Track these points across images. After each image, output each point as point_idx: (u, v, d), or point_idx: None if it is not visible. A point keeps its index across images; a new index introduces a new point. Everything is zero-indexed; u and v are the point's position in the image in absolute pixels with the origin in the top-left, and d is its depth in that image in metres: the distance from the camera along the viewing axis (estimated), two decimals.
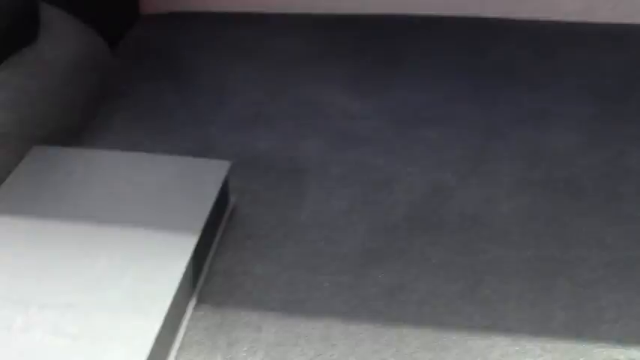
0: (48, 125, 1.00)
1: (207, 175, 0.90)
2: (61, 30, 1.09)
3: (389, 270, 0.84)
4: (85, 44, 1.13)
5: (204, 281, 0.83)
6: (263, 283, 0.82)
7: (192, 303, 0.79)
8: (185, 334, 0.76)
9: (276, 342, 0.75)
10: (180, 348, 0.74)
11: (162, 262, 0.76)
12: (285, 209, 0.93)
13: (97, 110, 1.11)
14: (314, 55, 1.25)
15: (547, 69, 1.19)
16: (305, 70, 1.21)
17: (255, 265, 0.85)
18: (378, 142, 1.04)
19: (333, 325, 0.77)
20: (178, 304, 0.75)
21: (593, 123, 1.07)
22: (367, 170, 0.99)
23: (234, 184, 0.95)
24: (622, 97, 1.13)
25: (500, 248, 0.86)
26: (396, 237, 0.88)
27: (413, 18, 1.31)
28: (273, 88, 1.17)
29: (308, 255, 0.86)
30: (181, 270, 0.75)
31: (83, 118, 1.07)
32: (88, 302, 0.71)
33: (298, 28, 1.31)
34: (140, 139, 1.07)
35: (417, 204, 0.93)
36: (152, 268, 0.75)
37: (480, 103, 1.11)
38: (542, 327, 0.76)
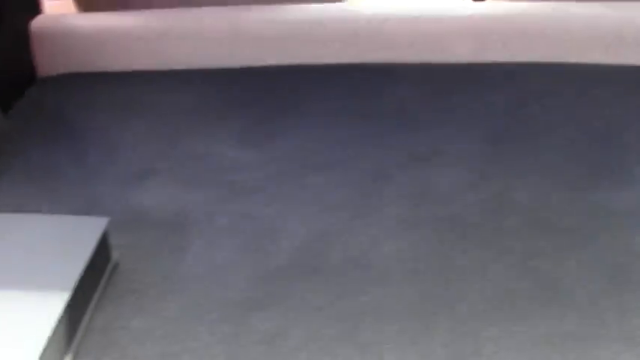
0: None
1: (84, 233, 0.89)
2: None
3: (269, 317, 0.83)
4: None
5: (82, 338, 0.81)
6: (141, 337, 0.81)
7: None
8: None
9: None
10: None
11: (31, 321, 0.75)
12: (169, 263, 0.92)
13: None
14: (206, 109, 1.26)
15: (438, 110, 1.21)
16: (196, 124, 1.21)
17: (134, 320, 0.83)
18: (265, 191, 1.04)
19: None
20: None
21: (480, 161, 1.09)
22: (252, 220, 0.99)
23: (119, 240, 0.94)
24: (509, 133, 1.15)
25: (381, 289, 0.86)
26: (277, 284, 0.88)
27: (305, 68, 1.32)
28: (165, 143, 1.17)
29: (188, 306, 0.85)
30: (50, 328, 0.73)
31: None
32: None
33: (191, 84, 1.32)
34: (27, 199, 1.05)
35: (300, 250, 0.93)
36: (20, 327, 0.74)
37: (369, 147, 1.12)
38: None
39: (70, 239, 0.88)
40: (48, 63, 1.40)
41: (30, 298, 0.78)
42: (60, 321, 0.75)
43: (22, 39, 1.38)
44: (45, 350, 0.71)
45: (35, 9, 1.43)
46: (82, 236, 0.88)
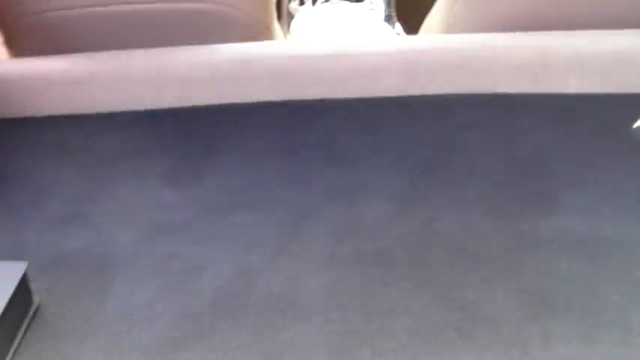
0: None
1: (2, 278, 0.87)
2: None
3: (192, 357, 0.82)
4: None
5: None
6: None
7: None
8: None
9: None
10: None
11: None
12: (91, 305, 0.92)
13: None
14: (133, 150, 1.25)
15: (365, 144, 1.22)
16: (124, 166, 1.21)
17: None
18: (189, 230, 1.04)
19: None
20: None
21: (406, 193, 1.09)
22: (176, 260, 0.98)
23: (42, 284, 0.93)
24: (436, 165, 1.16)
25: (304, 325, 0.86)
26: (199, 324, 0.87)
27: (232, 106, 1.32)
28: (92, 186, 1.16)
29: (110, 349, 0.84)
30: None
31: None
32: None
33: (119, 126, 1.31)
34: None
35: (223, 289, 0.93)
36: None
37: (295, 184, 1.12)
38: None
39: None
40: None
41: None
42: None
43: None
44: None
45: None
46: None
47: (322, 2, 2.36)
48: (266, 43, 1.42)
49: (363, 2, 2.41)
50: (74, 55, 1.39)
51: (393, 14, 2.21)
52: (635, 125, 1.27)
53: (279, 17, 2.70)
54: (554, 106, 1.32)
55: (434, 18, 1.61)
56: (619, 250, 0.98)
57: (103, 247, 1.02)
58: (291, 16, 2.36)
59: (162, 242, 1.02)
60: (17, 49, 1.48)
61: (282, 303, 0.89)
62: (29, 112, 1.37)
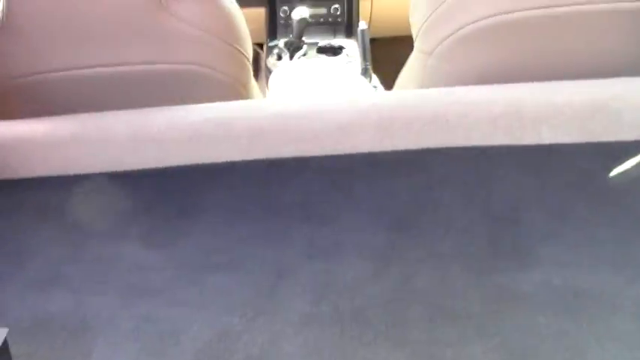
0: None
1: None
2: None
3: None
4: None
5: None
6: None
7: None
8: None
9: None
10: None
11: None
12: None
13: None
14: (112, 211, 1.25)
15: (342, 201, 1.23)
16: (102, 227, 1.21)
17: None
18: (168, 292, 1.04)
19: None
20: None
21: (382, 250, 1.10)
22: (156, 322, 0.98)
23: (22, 348, 0.94)
24: (411, 221, 1.17)
25: None
26: None
27: (209, 166, 1.33)
28: (71, 248, 1.16)
29: None
30: None
31: None
32: None
33: (97, 188, 1.32)
34: None
35: (203, 352, 0.93)
36: None
37: (272, 242, 1.13)
38: None
39: None
40: None
41: None
42: None
43: None
44: None
45: None
46: None
47: (299, 57, 2.39)
48: (243, 102, 1.43)
49: (340, 56, 2.44)
50: (55, 117, 1.40)
51: (369, 67, 2.23)
52: (610, 174, 1.28)
53: (257, 72, 2.73)
54: (528, 158, 1.33)
55: (408, 73, 1.63)
56: (599, 302, 0.99)
57: (82, 310, 1.02)
58: (269, 71, 2.39)
59: (141, 305, 1.02)
60: (1, 111, 1.49)
61: None
62: (8, 174, 1.37)
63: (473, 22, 1.40)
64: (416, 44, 1.53)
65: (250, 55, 1.56)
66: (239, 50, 1.48)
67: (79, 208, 1.28)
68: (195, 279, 1.06)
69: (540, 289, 1.02)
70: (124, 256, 1.13)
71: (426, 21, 1.45)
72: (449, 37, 1.43)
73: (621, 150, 1.32)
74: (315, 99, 1.40)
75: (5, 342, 0.88)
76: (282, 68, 2.25)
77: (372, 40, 2.53)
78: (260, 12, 2.65)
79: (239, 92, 1.53)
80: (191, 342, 0.94)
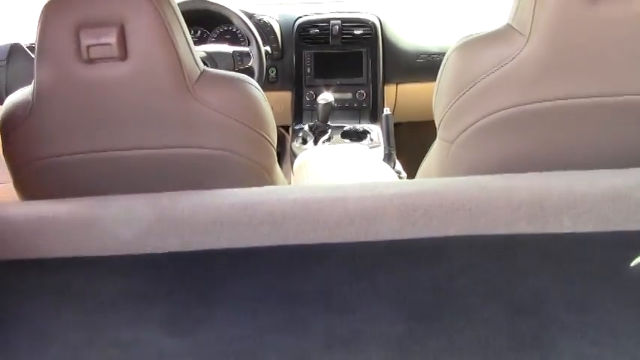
0: None
1: None
2: None
3: None
4: None
5: None
6: None
7: None
8: None
9: None
10: None
11: None
12: None
13: None
14: (134, 295, 1.26)
15: (363, 289, 1.23)
16: (125, 311, 1.22)
17: None
18: None
19: None
20: None
21: (404, 341, 1.10)
22: None
23: None
24: (433, 311, 1.17)
25: None
26: None
27: (232, 251, 1.35)
28: (93, 331, 1.17)
29: None
30: None
31: None
32: None
33: (120, 270, 1.34)
34: None
35: None
36: None
37: (292, 331, 1.13)
38: None
39: None
40: None
41: None
42: None
43: None
44: None
45: None
46: None
47: (324, 141, 2.43)
48: (267, 188, 1.45)
49: (364, 140, 2.47)
50: (79, 199, 1.43)
51: (393, 152, 2.26)
52: (632, 264, 1.28)
53: (283, 155, 2.77)
54: (550, 247, 1.34)
55: (430, 160, 1.65)
56: None
57: None
58: (294, 155, 2.42)
59: None
60: (26, 191, 1.53)
61: None
62: (33, 254, 1.40)
63: (494, 113, 1.43)
64: (438, 132, 1.56)
65: (275, 140, 1.59)
66: (264, 136, 1.51)
67: (100, 290, 1.29)
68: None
69: None
70: (144, 341, 1.14)
71: (448, 110, 1.48)
72: (470, 126, 1.45)
73: None
74: (337, 186, 1.42)
75: None
76: (307, 153, 2.28)
77: (396, 125, 2.58)
78: (286, 95, 2.72)
79: (263, 177, 1.56)
80: None
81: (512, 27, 1.41)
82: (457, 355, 1.07)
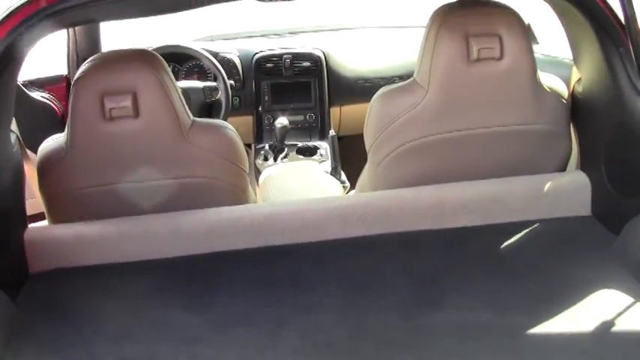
0: None
1: None
2: None
3: None
4: None
5: None
6: None
7: None
8: None
9: None
10: None
11: None
12: None
13: None
14: (158, 288, 1.77)
15: (319, 274, 1.79)
16: (153, 300, 1.72)
17: None
18: (206, 339, 1.57)
19: None
20: None
21: (346, 308, 1.66)
22: (196, 352, 1.52)
23: None
24: (365, 286, 1.73)
25: None
26: None
27: (222, 254, 1.90)
28: (130, 316, 1.67)
29: None
30: None
31: None
32: None
33: (143, 271, 1.85)
34: None
35: None
36: None
37: (272, 304, 1.68)
38: None
39: None
40: (38, 263, 1.90)
41: None
42: None
43: (17, 246, 1.89)
44: None
45: (24, 223, 1.96)
46: None
47: (282, 159, 2.94)
48: (244, 206, 1.99)
49: (315, 155, 2.99)
50: (106, 220, 1.93)
51: (339, 165, 2.80)
52: (501, 247, 1.85)
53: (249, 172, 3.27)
54: (448, 238, 1.89)
55: (363, 177, 2.20)
56: (486, 332, 1.52)
57: (149, 354, 1.54)
58: (257, 171, 2.92)
59: (187, 349, 1.54)
60: (58, 216, 2.01)
61: None
62: (67, 264, 1.90)
63: (407, 143, 1.96)
64: (369, 157, 2.09)
65: (247, 167, 2.11)
66: (239, 166, 2.02)
67: (132, 286, 1.80)
68: (222, 330, 1.59)
69: (446, 324, 1.56)
70: (171, 319, 1.65)
71: (374, 141, 2.01)
72: (391, 152, 1.99)
73: (511, 228, 1.90)
74: (295, 201, 1.97)
75: None
76: (269, 170, 2.81)
77: (341, 138, 3.09)
78: (248, 119, 3.20)
79: (239, 196, 2.07)
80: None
81: (416, 81, 1.94)
82: (379, 312, 1.61)
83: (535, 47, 2.08)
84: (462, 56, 1.85)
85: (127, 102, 1.83)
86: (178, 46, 2.96)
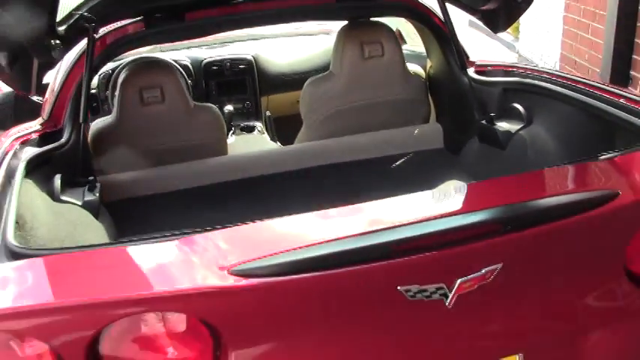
0: None
1: None
2: None
3: None
4: None
5: None
6: None
7: None
8: None
9: None
10: None
11: None
12: None
13: None
14: (187, 203, 2.88)
15: (265, 193, 2.95)
16: (185, 210, 2.84)
17: None
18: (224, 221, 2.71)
19: None
20: None
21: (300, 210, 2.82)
22: (214, 217, 2.66)
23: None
24: (316, 194, 2.90)
25: None
26: None
27: (212, 186, 3.05)
28: (181, 215, 2.77)
29: None
30: None
31: None
32: None
33: (173, 198, 2.95)
34: None
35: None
36: None
37: (244, 212, 2.82)
38: None
39: None
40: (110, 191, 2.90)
41: None
42: None
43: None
44: None
45: None
46: None
47: (231, 134, 4.04)
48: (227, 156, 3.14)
49: (254, 132, 4.09)
50: (150, 168, 2.99)
51: (275, 136, 3.95)
52: (392, 166, 3.06)
53: None
54: (357, 165, 3.07)
55: (301, 134, 3.33)
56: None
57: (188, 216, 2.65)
58: None
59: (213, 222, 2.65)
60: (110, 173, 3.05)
61: None
62: (119, 196, 2.92)
63: (328, 112, 3.14)
64: (304, 121, 3.24)
65: (225, 134, 3.22)
66: (222, 132, 3.16)
67: (171, 205, 2.90)
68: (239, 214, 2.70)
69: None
70: (203, 214, 2.74)
71: (308, 110, 3.18)
72: (320, 117, 3.16)
73: (397, 158, 3.11)
74: (251, 153, 3.12)
75: None
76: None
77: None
78: None
79: (223, 153, 3.19)
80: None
81: (332, 72, 3.13)
82: (322, 199, 2.68)
83: (404, 46, 3.35)
84: (359, 55, 3.04)
85: (157, 93, 2.89)
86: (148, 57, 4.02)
